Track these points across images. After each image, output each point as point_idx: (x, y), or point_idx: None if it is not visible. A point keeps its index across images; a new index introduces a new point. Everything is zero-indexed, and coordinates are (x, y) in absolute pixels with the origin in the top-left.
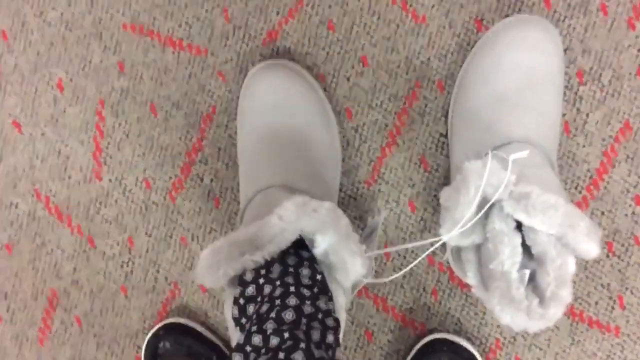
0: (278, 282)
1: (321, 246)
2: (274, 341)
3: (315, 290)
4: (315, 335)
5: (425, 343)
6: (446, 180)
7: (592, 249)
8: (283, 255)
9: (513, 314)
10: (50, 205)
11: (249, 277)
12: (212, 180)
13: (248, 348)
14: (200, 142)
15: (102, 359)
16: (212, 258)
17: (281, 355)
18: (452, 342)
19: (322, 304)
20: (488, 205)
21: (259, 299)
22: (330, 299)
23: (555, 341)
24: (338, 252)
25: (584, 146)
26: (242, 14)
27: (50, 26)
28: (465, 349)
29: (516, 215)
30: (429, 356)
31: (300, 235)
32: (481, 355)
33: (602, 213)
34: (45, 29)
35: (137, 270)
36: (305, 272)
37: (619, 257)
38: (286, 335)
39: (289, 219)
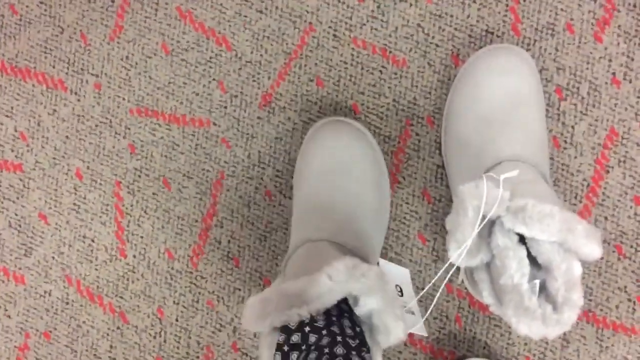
0: (324, 332)
1: (365, 307)
2: None
3: (357, 341)
4: None
5: None
6: (450, 209)
7: (594, 250)
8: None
9: (529, 323)
10: (81, 288)
11: (293, 325)
12: (229, 241)
13: None
14: (214, 207)
15: None
16: (261, 307)
17: None
18: None
19: (366, 356)
20: (484, 221)
21: (303, 347)
22: (369, 351)
23: (584, 351)
24: (382, 317)
25: (575, 157)
26: (237, 83)
27: (63, 122)
28: None
29: (516, 228)
30: None
31: None
32: None
33: (606, 218)
34: (59, 124)
35: (170, 339)
36: (346, 323)
37: (629, 258)
38: None
39: (338, 280)
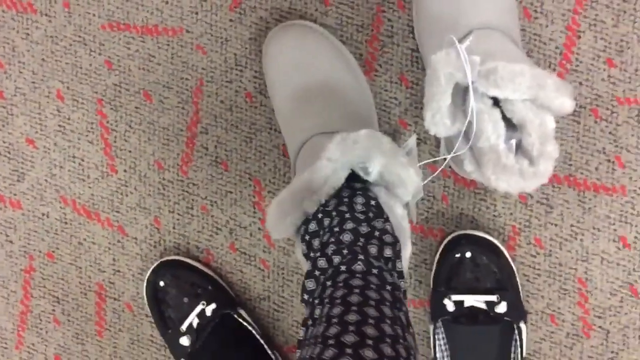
0: (334, 213)
1: (374, 171)
2: (336, 259)
3: (370, 214)
4: (373, 249)
5: (446, 244)
6: None
7: (565, 102)
8: (338, 190)
9: (508, 179)
10: (77, 206)
11: (309, 214)
12: (216, 146)
13: (316, 272)
14: (197, 115)
15: (158, 337)
16: (278, 210)
17: (342, 268)
18: (470, 235)
19: (378, 224)
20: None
21: (320, 232)
22: (387, 220)
23: (567, 214)
24: (391, 170)
25: (547, 26)
26: None
27: (37, 44)
28: (483, 238)
29: (489, 91)
30: (452, 254)
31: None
32: (502, 244)
33: (580, 83)
34: (34, 48)
35: (170, 246)
36: (359, 200)
37: (606, 120)
38: (345, 251)
39: (336, 158)
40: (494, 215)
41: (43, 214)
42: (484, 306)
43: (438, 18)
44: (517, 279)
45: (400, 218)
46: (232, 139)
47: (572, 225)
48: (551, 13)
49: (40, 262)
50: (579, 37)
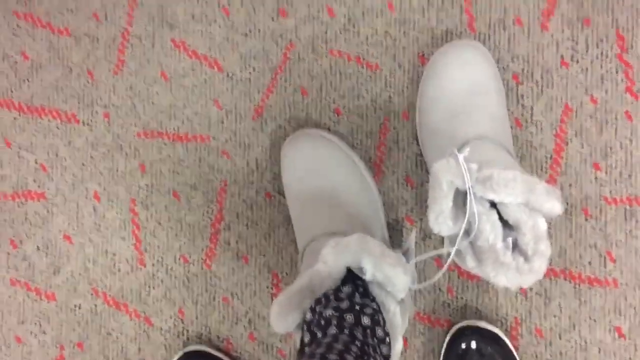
0: (329, 312)
1: (368, 271)
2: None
3: (370, 310)
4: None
5: (452, 334)
6: None
7: (555, 206)
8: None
9: (506, 274)
10: (107, 298)
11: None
12: (237, 242)
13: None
14: (221, 213)
15: None
16: (279, 309)
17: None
18: (475, 327)
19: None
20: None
21: (321, 321)
22: (380, 313)
23: (565, 306)
24: (380, 269)
25: (537, 134)
26: (230, 99)
27: (79, 151)
28: (487, 329)
29: (486, 195)
30: (458, 344)
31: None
32: (505, 334)
33: (570, 185)
34: (75, 153)
35: (192, 336)
36: (357, 299)
37: (596, 218)
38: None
39: (330, 262)
40: (497, 306)
41: (75, 306)
42: None
43: (438, 130)
44: None
45: (392, 315)
46: (252, 235)
47: (570, 316)
48: (540, 122)
49: (70, 351)
50: (567, 143)
